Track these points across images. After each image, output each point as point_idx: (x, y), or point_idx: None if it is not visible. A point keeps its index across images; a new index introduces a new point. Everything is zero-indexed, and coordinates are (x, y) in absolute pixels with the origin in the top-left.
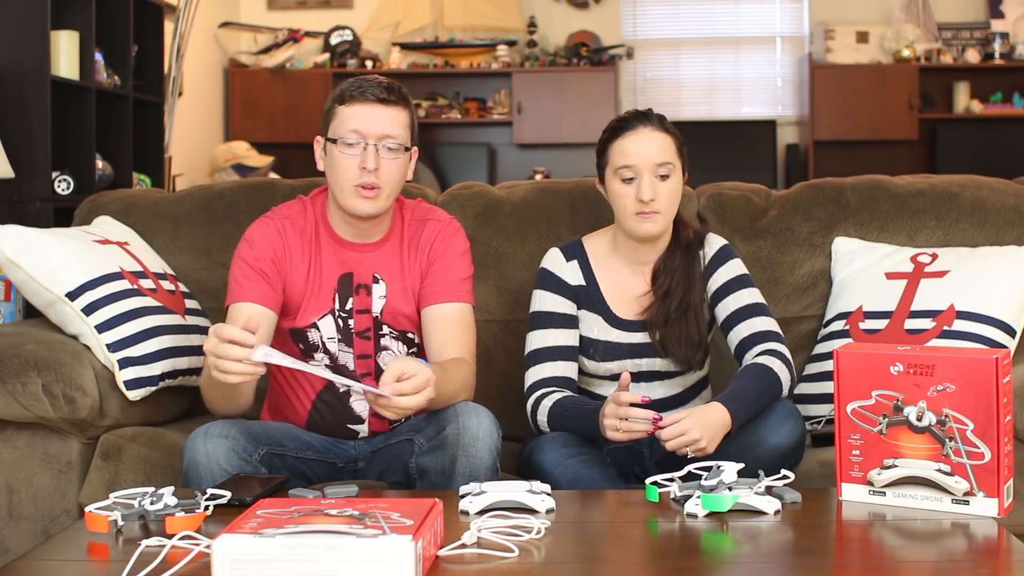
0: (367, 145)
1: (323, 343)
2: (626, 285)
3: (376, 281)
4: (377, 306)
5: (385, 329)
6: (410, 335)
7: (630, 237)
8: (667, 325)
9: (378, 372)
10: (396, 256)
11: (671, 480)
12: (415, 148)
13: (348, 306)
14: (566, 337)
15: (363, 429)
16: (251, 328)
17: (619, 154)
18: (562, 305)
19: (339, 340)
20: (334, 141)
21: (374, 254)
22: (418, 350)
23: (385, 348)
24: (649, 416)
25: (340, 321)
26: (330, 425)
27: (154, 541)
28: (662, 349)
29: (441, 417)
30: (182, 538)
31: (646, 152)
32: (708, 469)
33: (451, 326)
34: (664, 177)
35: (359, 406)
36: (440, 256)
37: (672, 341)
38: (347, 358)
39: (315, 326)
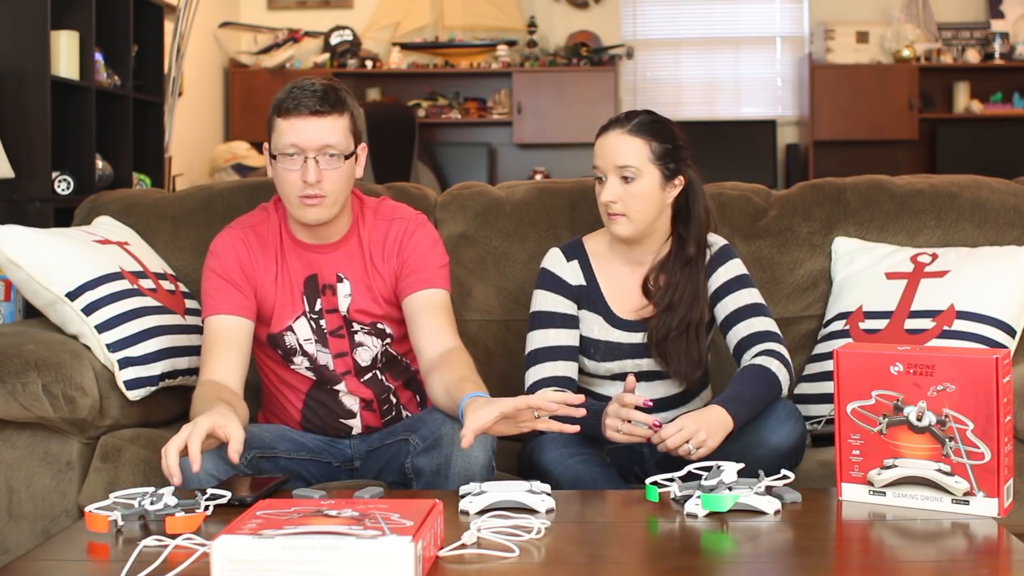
0: (306, 158)
1: (300, 346)
2: (626, 285)
3: (340, 280)
4: (343, 304)
5: (356, 326)
6: (380, 326)
7: None
8: (667, 341)
9: (357, 369)
10: (358, 255)
11: (671, 480)
12: (362, 145)
13: (317, 307)
14: (567, 337)
15: (356, 424)
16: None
17: (593, 154)
18: (563, 305)
19: (315, 341)
20: (274, 156)
21: (335, 254)
22: (392, 340)
23: (360, 344)
24: (649, 421)
25: (312, 322)
26: (324, 422)
27: (153, 541)
28: (662, 362)
29: (436, 416)
30: (182, 539)
31: (608, 153)
32: (708, 469)
33: (439, 313)
34: (627, 179)
35: (349, 400)
36: (413, 249)
37: (672, 356)
38: (326, 358)
39: (291, 329)
